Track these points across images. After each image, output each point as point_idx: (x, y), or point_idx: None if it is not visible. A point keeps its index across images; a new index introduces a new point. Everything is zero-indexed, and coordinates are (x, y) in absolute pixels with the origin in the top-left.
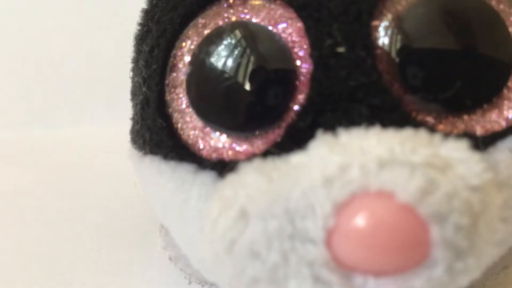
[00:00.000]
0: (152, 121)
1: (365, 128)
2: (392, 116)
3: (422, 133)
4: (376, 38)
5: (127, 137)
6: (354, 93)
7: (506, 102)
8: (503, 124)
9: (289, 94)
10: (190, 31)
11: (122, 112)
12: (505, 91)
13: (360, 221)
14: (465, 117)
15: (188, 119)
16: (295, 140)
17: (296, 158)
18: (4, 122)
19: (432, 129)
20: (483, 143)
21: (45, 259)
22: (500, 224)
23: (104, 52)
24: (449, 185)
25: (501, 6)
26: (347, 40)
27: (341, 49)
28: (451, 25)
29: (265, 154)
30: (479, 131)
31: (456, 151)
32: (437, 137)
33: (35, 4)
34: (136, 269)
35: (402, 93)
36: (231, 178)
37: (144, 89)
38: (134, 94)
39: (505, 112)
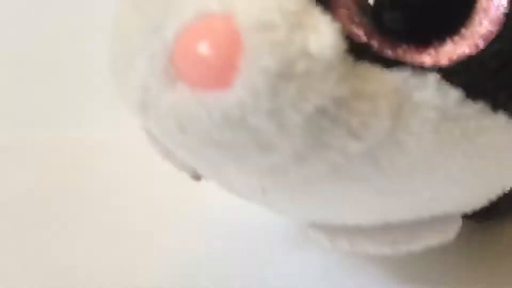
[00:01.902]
0: None
1: None
2: None
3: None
4: None
5: (128, 137)
6: None
7: (445, 47)
8: (422, 60)
9: None
10: None
11: (123, 113)
12: (449, 38)
13: (195, 34)
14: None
15: None
16: None
17: None
18: (4, 123)
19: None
20: (378, 60)
21: (45, 259)
22: (313, 97)
23: (105, 53)
24: (286, 35)
25: None
26: None
27: None
28: None
29: None
30: (389, 52)
31: (323, 24)
32: (318, 10)
33: (35, 4)
34: (137, 269)
35: None
36: None
37: None
38: None
39: (435, 53)
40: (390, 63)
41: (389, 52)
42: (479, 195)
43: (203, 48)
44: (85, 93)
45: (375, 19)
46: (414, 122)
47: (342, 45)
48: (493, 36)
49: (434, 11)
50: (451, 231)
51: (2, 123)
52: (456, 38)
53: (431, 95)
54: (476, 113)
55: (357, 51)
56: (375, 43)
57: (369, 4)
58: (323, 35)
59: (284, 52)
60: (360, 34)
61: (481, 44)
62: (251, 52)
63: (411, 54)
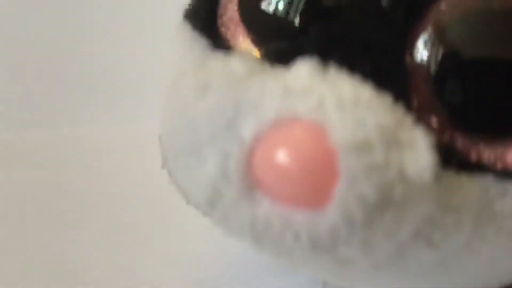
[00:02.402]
0: None
1: (360, 80)
2: (392, 90)
3: (396, 106)
4: (429, 16)
5: (127, 137)
6: (370, 46)
7: None
8: (503, 161)
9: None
10: None
11: (122, 113)
12: None
13: (281, 142)
14: (472, 138)
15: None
16: (298, 53)
17: (281, 70)
18: (4, 122)
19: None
20: (460, 165)
21: (46, 259)
22: (406, 225)
23: (104, 53)
24: (383, 158)
25: None
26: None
27: (385, 1)
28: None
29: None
30: (467, 152)
31: (419, 140)
32: (408, 118)
33: (35, 4)
34: (137, 269)
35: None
36: (220, 55)
37: None
38: None
39: None
40: (474, 168)
41: (473, 154)
42: None
43: (292, 161)
44: (85, 92)
45: (452, 113)
46: (490, 231)
47: (438, 162)
48: None
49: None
50: None
51: (1, 121)
52: None
53: (510, 203)
54: None
55: (443, 155)
56: (459, 143)
57: (444, 93)
58: (420, 154)
59: (382, 177)
60: (445, 133)
61: None
62: (347, 176)
63: (494, 154)
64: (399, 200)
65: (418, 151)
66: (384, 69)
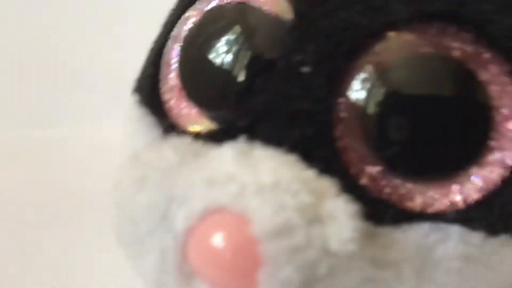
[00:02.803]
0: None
1: (283, 152)
2: (322, 155)
3: (319, 179)
4: (350, 74)
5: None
6: (296, 115)
7: (457, 185)
8: (437, 205)
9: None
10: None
11: (122, 113)
12: (463, 173)
13: (208, 233)
14: (404, 184)
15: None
16: (231, 135)
17: (213, 151)
18: (4, 122)
19: (356, 182)
20: (395, 216)
21: (45, 259)
22: None
23: (104, 53)
24: (304, 238)
25: (481, 71)
26: (316, 63)
27: (305, 69)
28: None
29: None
30: (400, 201)
31: (340, 211)
32: (331, 188)
33: (35, 4)
34: None
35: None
36: (156, 144)
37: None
38: None
39: (451, 195)
40: (410, 217)
41: (408, 203)
42: None
43: (219, 250)
44: (85, 93)
45: (382, 157)
46: (438, 273)
47: (361, 226)
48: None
49: (447, 145)
50: None
51: (1, 121)
52: (474, 170)
53: (454, 246)
54: (499, 246)
55: (374, 211)
56: (394, 194)
57: (377, 144)
58: (342, 226)
59: (304, 257)
60: (379, 187)
61: (504, 178)
62: (270, 261)
63: (426, 200)
64: (326, 275)
65: (340, 222)
66: (311, 136)
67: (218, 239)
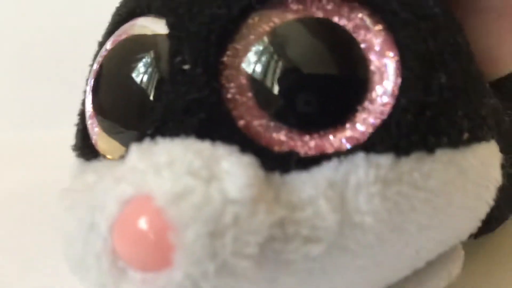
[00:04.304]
0: None
1: (181, 139)
2: (221, 130)
3: (214, 147)
4: (229, 59)
5: None
6: (189, 107)
7: (357, 124)
8: (344, 147)
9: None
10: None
11: None
12: (357, 113)
13: (125, 223)
14: (312, 138)
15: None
16: (138, 136)
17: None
18: (4, 122)
19: (256, 144)
20: (303, 164)
21: (46, 259)
22: (252, 238)
23: None
24: (203, 195)
25: (344, 21)
26: (192, 58)
27: (186, 67)
28: (309, 50)
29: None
30: (307, 150)
31: (234, 165)
32: (226, 151)
33: (35, 4)
34: None
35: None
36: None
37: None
38: None
39: (353, 135)
40: (314, 160)
41: (308, 150)
42: (464, 225)
43: (138, 230)
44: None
45: (279, 112)
46: (360, 202)
47: (260, 173)
48: (397, 91)
49: (337, 90)
50: (456, 268)
51: (1, 121)
52: (364, 105)
53: (365, 171)
54: (415, 164)
55: (277, 161)
56: (291, 143)
57: (270, 95)
58: (239, 175)
59: (207, 212)
60: (278, 136)
61: (390, 103)
62: (178, 226)
63: (327, 141)
64: (233, 223)
65: (236, 174)
66: (206, 118)
67: (133, 225)
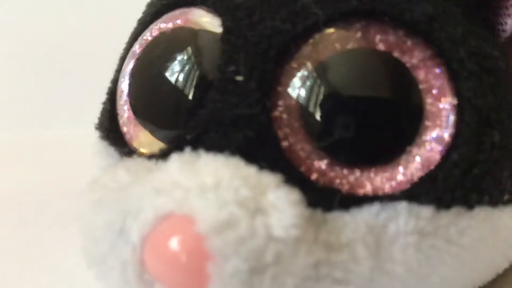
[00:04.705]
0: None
1: (226, 156)
2: (265, 151)
3: (260, 174)
4: (284, 77)
5: None
6: (236, 121)
7: (401, 167)
8: (385, 188)
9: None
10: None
11: None
12: (404, 155)
13: (160, 239)
14: (352, 172)
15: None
16: (180, 149)
17: (161, 166)
18: (4, 122)
19: (302, 176)
20: (345, 202)
21: (46, 259)
22: (289, 278)
23: (104, 53)
24: (247, 227)
25: (406, 58)
26: (247, 70)
27: (239, 78)
28: (364, 80)
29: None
30: (347, 186)
31: (281, 200)
32: (272, 182)
33: (35, 4)
34: None
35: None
36: (111, 168)
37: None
38: None
39: (396, 177)
40: (357, 201)
41: (347, 184)
42: (484, 278)
43: (172, 251)
44: (86, 93)
45: (324, 140)
46: (395, 250)
47: (305, 212)
48: (450, 142)
49: (388, 126)
50: None
51: (1, 121)
52: (414, 148)
53: (405, 221)
54: (453, 219)
55: (322, 199)
56: (341, 184)
57: (317, 121)
58: (285, 213)
59: (250, 247)
60: (325, 176)
61: (441, 152)
62: (218, 256)
63: (369, 180)
64: (273, 262)
65: (282, 210)
66: (252, 138)
67: (168, 244)
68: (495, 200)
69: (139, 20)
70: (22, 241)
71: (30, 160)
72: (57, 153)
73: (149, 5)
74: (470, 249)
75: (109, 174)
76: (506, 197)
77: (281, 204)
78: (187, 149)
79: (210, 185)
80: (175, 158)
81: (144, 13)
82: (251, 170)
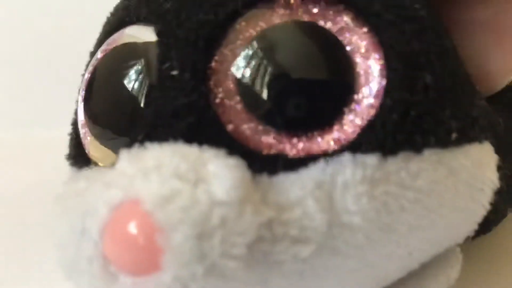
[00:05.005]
0: None
1: (170, 144)
2: (209, 134)
3: (201, 151)
4: (217, 64)
5: None
6: (177, 111)
7: (344, 125)
8: (330, 148)
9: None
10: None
11: None
12: (344, 115)
13: (115, 228)
14: (300, 140)
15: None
16: (130, 143)
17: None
18: (4, 122)
19: (246, 147)
20: (291, 166)
21: (46, 259)
22: (239, 239)
23: None
24: (189, 197)
25: (330, 24)
26: (180, 64)
27: (174, 72)
28: (295, 53)
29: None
30: (295, 153)
31: (220, 168)
32: (213, 155)
33: (35, 4)
34: None
35: (238, 114)
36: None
37: None
38: None
39: (340, 135)
40: (302, 162)
41: (296, 151)
42: (459, 227)
43: (126, 235)
44: None
45: (267, 115)
46: (348, 202)
47: (247, 175)
48: (382, 92)
49: (324, 92)
50: (454, 272)
51: (1, 121)
52: (351, 107)
53: (352, 171)
54: (402, 164)
55: (265, 163)
56: (280, 146)
57: (257, 99)
58: (224, 177)
59: (194, 214)
60: (267, 140)
61: (376, 104)
62: (166, 228)
63: (315, 143)
64: (220, 223)
65: (223, 176)
66: (194, 122)
67: (122, 229)
68: (442, 141)
69: (90, 52)
70: (22, 241)
71: (30, 160)
72: (57, 153)
73: (98, 36)
74: (429, 193)
75: (70, 185)
76: (454, 136)
77: (220, 170)
78: (136, 146)
79: (151, 167)
80: (123, 154)
81: (93, 46)
82: (191, 149)
